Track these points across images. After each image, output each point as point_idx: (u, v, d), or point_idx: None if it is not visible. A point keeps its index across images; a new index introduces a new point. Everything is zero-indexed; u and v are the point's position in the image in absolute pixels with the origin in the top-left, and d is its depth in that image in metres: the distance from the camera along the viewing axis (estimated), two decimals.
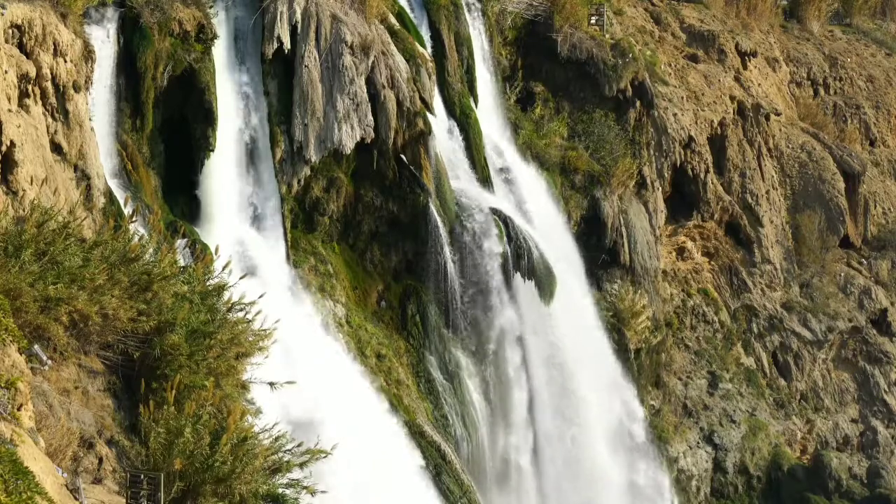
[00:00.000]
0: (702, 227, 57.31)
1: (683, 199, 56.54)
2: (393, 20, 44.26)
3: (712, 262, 58.19)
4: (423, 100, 42.72)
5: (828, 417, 58.21)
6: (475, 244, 43.54)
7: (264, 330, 23.83)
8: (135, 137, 36.98)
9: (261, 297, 24.42)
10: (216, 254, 31.92)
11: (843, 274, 61.51)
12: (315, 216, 41.74)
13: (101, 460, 19.95)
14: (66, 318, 20.85)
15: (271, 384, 24.05)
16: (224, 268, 24.77)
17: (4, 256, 20.63)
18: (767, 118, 61.14)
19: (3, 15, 30.21)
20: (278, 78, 40.46)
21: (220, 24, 39.52)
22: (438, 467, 39.90)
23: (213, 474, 19.88)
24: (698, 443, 53.63)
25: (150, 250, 23.63)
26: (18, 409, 17.27)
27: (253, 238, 39.30)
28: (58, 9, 32.81)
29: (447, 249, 42.87)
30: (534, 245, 44.62)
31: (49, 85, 31.88)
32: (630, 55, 52.35)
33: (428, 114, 42.92)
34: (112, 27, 36.52)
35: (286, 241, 40.30)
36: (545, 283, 44.87)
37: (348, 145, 40.70)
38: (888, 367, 59.87)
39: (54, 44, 31.88)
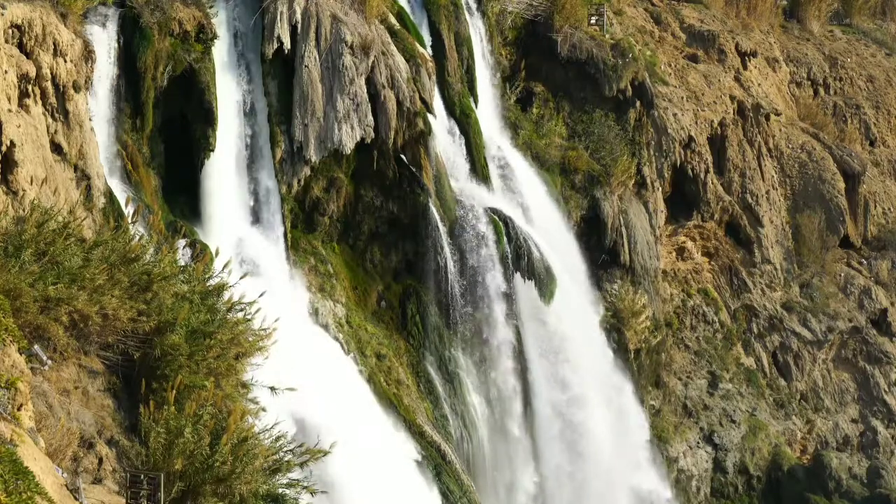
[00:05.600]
0: (702, 227, 57.30)
1: (683, 199, 56.54)
2: (393, 20, 44.26)
3: (712, 262, 58.18)
4: (423, 100, 42.72)
5: (828, 417, 58.20)
6: (475, 244, 43.54)
7: (264, 330, 23.83)
8: (135, 137, 36.99)
9: (260, 296, 24.41)
10: (216, 254, 31.95)
11: (843, 274, 61.50)
12: (315, 216, 41.74)
13: (101, 460, 19.95)
14: (66, 318, 20.84)
15: (272, 388, 24.00)
16: (224, 267, 24.77)
17: (4, 256, 20.62)
18: (767, 118, 61.14)
19: (3, 15, 30.21)
20: (278, 78, 40.47)
21: (220, 24, 39.53)
22: (438, 467, 39.90)
23: (213, 474, 19.88)
24: (698, 443, 53.62)
25: (150, 250, 23.63)
26: (18, 409, 17.26)
27: (253, 238, 39.30)
28: (58, 9, 32.82)
29: (447, 249, 42.87)
30: (534, 245, 44.61)
31: (49, 85, 31.89)
32: (630, 55, 52.35)
33: (428, 114, 42.92)
34: (112, 27, 36.52)
35: (286, 241, 40.30)
36: (545, 283, 44.86)
37: (348, 145, 40.70)
38: (888, 367, 59.84)
39: (54, 44, 31.89)
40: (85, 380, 21.37)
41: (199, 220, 38.18)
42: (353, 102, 40.67)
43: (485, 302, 43.75)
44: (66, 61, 32.31)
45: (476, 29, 49.29)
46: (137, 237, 23.97)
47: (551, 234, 47.40)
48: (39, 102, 31.52)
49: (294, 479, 21.68)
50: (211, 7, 39.15)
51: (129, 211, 27.80)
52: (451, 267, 42.99)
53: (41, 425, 18.84)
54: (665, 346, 53.67)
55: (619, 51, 52.28)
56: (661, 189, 54.31)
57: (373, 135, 41.19)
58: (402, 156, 42.44)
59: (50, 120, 32.00)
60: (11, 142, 29.05)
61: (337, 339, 40.27)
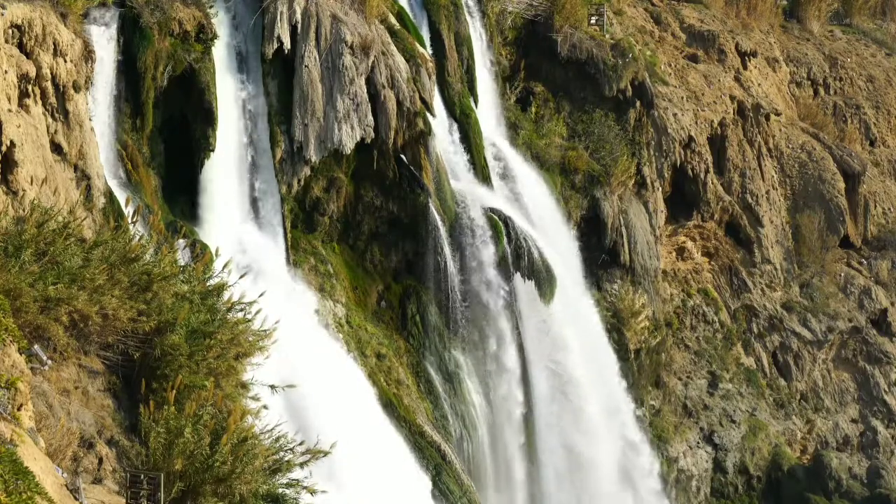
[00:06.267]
0: (702, 227, 57.31)
1: (683, 199, 56.55)
2: (393, 20, 44.26)
3: (712, 262, 58.19)
4: (423, 100, 42.72)
5: (828, 417, 58.21)
6: (475, 244, 43.54)
7: (264, 330, 23.82)
8: (135, 137, 36.99)
9: (260, 296, 24.41)
10: (216, 254, 31.94)
11: (843, 274, 61.51)
12: (315, 216, 41.74)
13: (101, 460, 19.95)
14: (66, 318, 20.83)
15: (272, 387, 24.02)
16: (224, 267, 24.76)
17: (4, 256, 20.62)
18: (767, 118, 61.14)
19: (3, 15, 30.22)
20: (278, 78, 40.46)
21: (220, 24, 39.53)
22: (438, 467, 39.90)
23: (213, 474, 19.87)
24: (698, 443, 53.62)
25: (150, 250, 23.61)
26: (18, 409, 17.26)
27: (253, 238, 39.30)
28: (58, 9, 32.83)
29: (447, 249, 42.87)
30: (534, 245, 44.62)
31: (49, 85, 31.90)
32: (630, 55, 52.36)
33: (428, 114, 42.91)
34: (112, 27, 36.53)
35: (286, 241, 40.30)
36: (545, 283, 44.86)
37: (348, 145, 40.70)
38: (888, 367, 59.86)
39: (54, 44, 31.90)
40: (85, 380, 21.37)
41: (199, 220, 38.19)
42: (353, 102, 40.67)
43: (485, 302, 43.75)
44: (66, 61, 32.31)
45: (476, 29, 49.30)
46: (137, 237, 23.95)
47: (551, 234, 47.41)
48: (39, 102, 31.53)
49: (294, 479, 21.67)
50: (211, 7, 39.15)
51: (129, 211, 27.78)
52: (451, 267, 42.99)
53: (41, 425, 18.84)
54: (665, 346, 53.68)
55: (619, 51, 52.28)
56: (661, 189, 54.32)
57: (373, 135, 41.19)
58: (402, 156, 42.44)
59: (50, 120, 32.01)
60: (11, 142, 29.06)
61: (337, 339, 40.27)
